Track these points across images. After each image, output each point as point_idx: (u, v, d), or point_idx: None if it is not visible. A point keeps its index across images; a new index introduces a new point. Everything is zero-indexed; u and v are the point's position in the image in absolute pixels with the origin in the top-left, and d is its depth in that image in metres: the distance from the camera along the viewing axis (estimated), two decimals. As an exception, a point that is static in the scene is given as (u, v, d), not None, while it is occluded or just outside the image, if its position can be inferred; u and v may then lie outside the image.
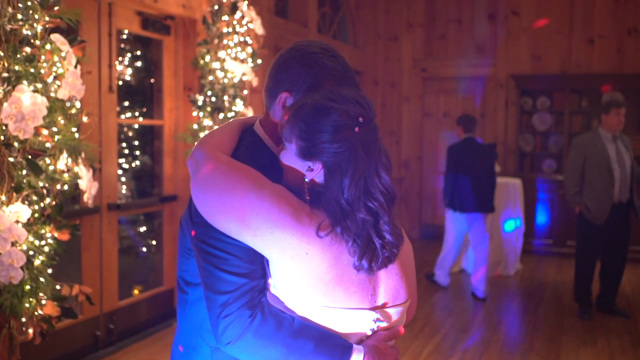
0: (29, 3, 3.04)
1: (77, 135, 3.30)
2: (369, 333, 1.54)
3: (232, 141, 1.66)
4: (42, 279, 3.13)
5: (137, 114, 5.70)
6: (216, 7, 5.28)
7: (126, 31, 5.26)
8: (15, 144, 2.99)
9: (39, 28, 3.08)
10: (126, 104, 5.54)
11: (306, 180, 1.53)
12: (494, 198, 6.57)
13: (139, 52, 5.72)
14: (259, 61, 5.66)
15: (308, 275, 1.47)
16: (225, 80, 5.31)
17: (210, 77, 5.28)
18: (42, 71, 3.09)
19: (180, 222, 1.72)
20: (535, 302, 6.51)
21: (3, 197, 2.98)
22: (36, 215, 3.11)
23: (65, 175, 3.26)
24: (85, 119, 3.44)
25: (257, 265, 1.52)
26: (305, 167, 1.52)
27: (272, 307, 1.51)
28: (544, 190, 8.80)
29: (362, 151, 1.49)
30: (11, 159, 2.99)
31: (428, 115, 9.77)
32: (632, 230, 5.99)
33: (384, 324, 1.55)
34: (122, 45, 5.49)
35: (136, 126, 5.78)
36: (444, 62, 9.58)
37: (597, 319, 5.88)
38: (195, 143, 1.63)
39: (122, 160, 5.58)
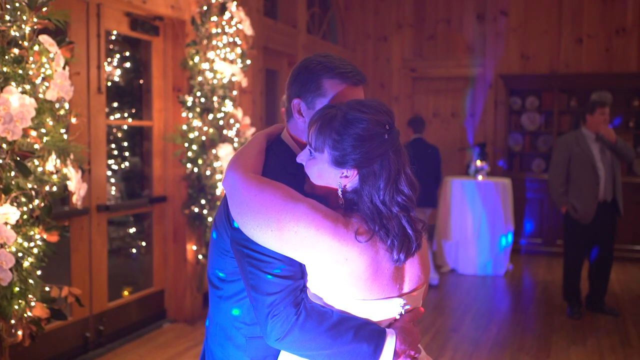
0: (17, 4, 3.02)
1: (65, 136, 3.29)
2: (398, 317, 1.69)
3: (261, 156, 1.78)
4: (31, 281, 3.12)
5: (126, 115, 5.68)
6: (205, 7, 5.27)
7: (115, 32, 5.24)
8: (4, 145, 2.97)
9: (27, 29, 3.07)
10: (115, 105, 5.52)
11: (340, 186, 1.65)
12: (437, 194, 7.18)
13: (127, 53, 5.69)
14: (248, 62, 5.66)
15: (347, 276, 1.60)
16: (215, 81, 5.31)
17: (200, 78, 5.27)
18: (31, 72, 3.08)
19: (214, 222, 1.84)
20: (525, 302, 6.54)
21: (-9, 199, 2.96)
22: (25, 216, 3.10)
23: (54, 176, 3.24)
24: (74, 120, 3.42)
25: (297, 267, 1.67)
26: (339, 174, 1.64)
27: (313, 303, 1.65)
28: (533, 189, 8.84)
29: (393, 155, 1.62)
30: (-1, 161, 2.98)
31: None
32: (619, 229, 6.02)
33: (409, 307, 1.70)
34: (111, 46, 5.47)
35: (125, 127, 5.76)
36: (433, 62, 9.60)
37: (586, 318, 5.91)
38: (227, 165, 1.78)
39: (111, 162, 5.55)
